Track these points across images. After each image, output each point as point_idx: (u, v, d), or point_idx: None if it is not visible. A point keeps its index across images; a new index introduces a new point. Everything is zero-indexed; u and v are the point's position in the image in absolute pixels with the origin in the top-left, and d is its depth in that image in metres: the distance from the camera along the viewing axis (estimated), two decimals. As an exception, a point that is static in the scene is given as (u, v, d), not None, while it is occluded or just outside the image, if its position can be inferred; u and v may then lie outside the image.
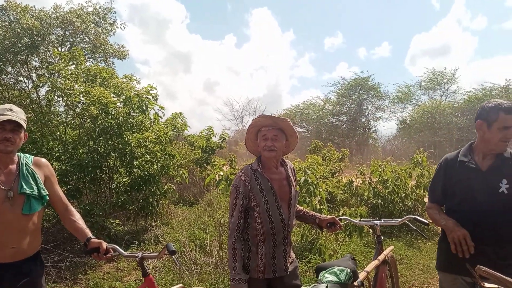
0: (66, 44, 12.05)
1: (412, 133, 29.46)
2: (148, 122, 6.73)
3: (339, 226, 2.69)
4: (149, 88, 6.78)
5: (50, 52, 11.10)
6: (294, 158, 10.45)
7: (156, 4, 61.00)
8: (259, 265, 2.35)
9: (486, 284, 1.52)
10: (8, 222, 2.09)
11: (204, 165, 9.19)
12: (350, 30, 62.91)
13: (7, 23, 10.44)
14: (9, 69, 11.42)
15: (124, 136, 6.09)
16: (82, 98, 6.22)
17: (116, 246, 2.35)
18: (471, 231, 2.27)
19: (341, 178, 9.68)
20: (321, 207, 5.20)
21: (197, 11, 74.12)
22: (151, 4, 59.55)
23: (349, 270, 2.44)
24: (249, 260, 2.36)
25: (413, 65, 53.28)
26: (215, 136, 10.23)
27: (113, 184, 6.65)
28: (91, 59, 12.60)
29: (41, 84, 8.10)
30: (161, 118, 7.21)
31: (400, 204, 7.48)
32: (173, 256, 2.26)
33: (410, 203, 7.61)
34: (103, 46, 12.29)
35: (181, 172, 8.06)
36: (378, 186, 7.71)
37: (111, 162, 6.43)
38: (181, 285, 2.58)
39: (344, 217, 3.49)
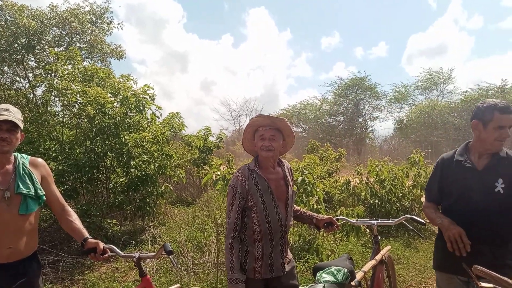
0: (63, 43, 12.00)
1: (409, 133, 29.57)
2: (145, 122, 6.71)
3: (336, 226, 2.69)
4: (146, 88, 6.76)
5: (47, 52, 11.04)
6: (292, 158, 10.46)
7: (152, 3, 61.01)
8: (257, 265, 2.35)
9: (483, 284, 1.52)
10: (4, 222, 2.08)
11: (202, 165, 9.18)
12: (347, 30, 63.23)
13: (3, 23, 10.38)
14: (5, 68, 11.38)
15: (121, 136, 6.07)
16: (79, 98, 6.20)
17: (113, 246, 2.34)
18: (468, 231, 2.28)
19: (339, 178, 9.70)
20: (319, 207, 5.20)
21: (194, 11, 74.25)
22: (148, 4, 59.57)
23: (346, 270, 2.44)
24: (246, 260, 2.36)
25: (409, 65, 53.57)
26: (213, 136, 10.22)
27: (110, 184, 6.63)
28: (87, 59, 12.57)
29: (38, 84, 8.05)
30: (158, 118, 7.20)
31: (397, 204, 7.50)
32: (170, 256, 2.26)
33: (407, 202, 7.63)
34: (100, 46, 12.25)
35: (178, 172, 8.05)
36: (375, 186, 7.72)
37: (108, 162, 6.42)
38: (178, 285, 2.57)
39: (341, 217, 3.49)
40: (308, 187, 5.32)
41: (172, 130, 7.70)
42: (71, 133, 6.89)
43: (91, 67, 7.18)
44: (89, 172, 5.99)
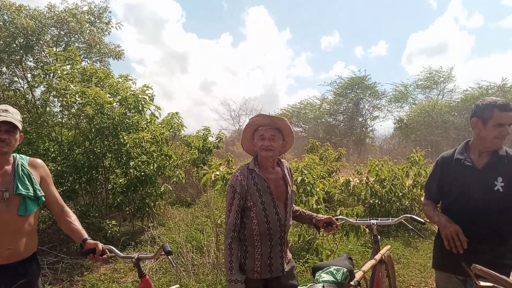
0: (61, 43, 11.98)
1: (409, 132, 29.56)
2: (144, 122, 6.70)
3: (335, 226, 2.68)
4: (145, 88, 6.75)
5: (45, 52, 11.03)
6: (291, 158, 10.45)
7: (151, 3, 61.01)
8: (256, 265, 2.34)
9: (482, 283, 1.52)
10: (4, 223, 2.08)
11: (201, 165, 9.17)
12: (347, 29, 63.24)
13: (1, 23, 10.36)
14: (4, 69, 11.36)
15: (120, 136, 6.06)
16: (78, 98, 6.19)
17: (112, 247, 2.34)
18: (467, 229, 2.28)
19: (338, 177, 9.69)
20: (318, 207, 5.20)
21: (192, 10, 74.25)
22: (146, 3, 59.55)
23: (345, 270, 2.43)
24: (245, 260, 2.36)
25: (410, 64, 53.59)
26: (212, 136, 10.22)
27: (109, 185, 6.62)
28: (86, 59, 12.55)
29: (37, 85, 8.06)
30: (158, 118, 7.18)
31: (397, 204, 7.49)
32: (169, 257, 2.25)
33: (407, 202, 7.62)
34: (98, 46, 12.23)
35: (177, 172, 8.04)
36: (375, 186, 7.72)
37: (107, 163, 6.41)
38: (177, 286, 2.57)
39: (340, 216, 3.49)
40: (308, 187, 5.31)
41: (171, 130, 7.70)
42: (70, 133, 6.88)
43: (90, 67, 7.17)
44: (88, 173, 5.98)
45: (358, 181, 8.48)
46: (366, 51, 57.54)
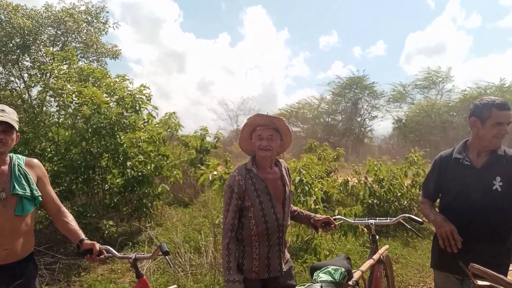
0: (58, 43, 11.93)
1: (408, 132, 29.59)
2: (142, 122, 6.69)
3: (333, 226, 2.68)
4: (142, 88, 6.74)
5: (42, 52, 10.99)
6: (290, 157, 10.44)
7: (148, 2, 60.95)
8: (254, 265, 2.34)
9: (479, 282, 1.51)
10: (0, 224, 2.07)
11: (199, 165, 9.16)
12: (345, 29, 63.26)
13: (-3, 23, 10.32)
14: (0, 69, 11.30)
15: (117, 136, 6.04)
16: (75, 98, 6.17)
17: (109, 247, 2.33)
18: (466, 228, 2.28)
19: (337, 177, 9.69)
20: (317, 207, 5.19)
21: (190, 10, 74.21)
22: (144, 3, 59.49)
23: (343, 270, 2.42)
24: (243, 260, 2.35)
25: (408, 64, 53.61)
26: (210, 136, 10.21)
27: (106, 185, 6.60)
28: (83, 59, 12.50)
29: (33, 84, 8.00)
30: (155, 118, 7.17)
31: (396, 204, 7.49)
32: (166, 257, 2.24)
33: (405, 202, 7.62)
34: (95, 46, 12.18)
35: (175, 172, 8.02)
36: (374, 186, 7.72)
37: (104, 163, 6.38)
38: (175, 286, 2.56)
39: (338, 216, 3.48)
40: (306, 187, 5.31)
41: (168, 130, 7.68)
42: (66, 133, 6.85)
43: (87, 67, 7.14)
44: (85, 173, 5.96)
45: (356, 181, 8.48)
46: (364, 51, 57.58)
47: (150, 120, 6.96)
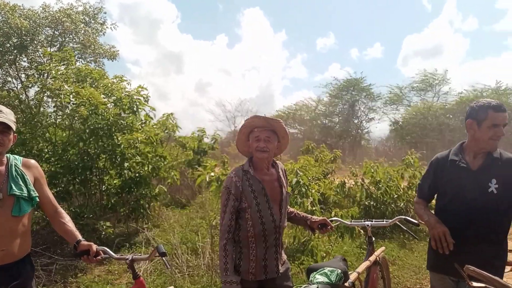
0: (56, 44, 11.90)
1: (404, 134, 29.68)
2: (139, 123, 6.68)
3: (330, 228, 2.69)
4: (140, 89, 6.73)
5: (39, 52, 10.96)
6: (287, 159, 10.45)
7: (146, 3, 60.90)
8: (251, 267, 2.34)
9: (474, 284, 1.52)
10: None
11: (196, 166, 9.15)
12: (342, 31, 63.50)
13: (-5, 23, 10.28)
14: (-3, 69, 11.27)
15: (115, 137, 6.03)
16: (72, 99, 6.16)
17: (106, 248, 2.33)
18: (462, 230, 2.30)
19: (334, 179, 9.70)
20: (314, 208, 5.20)
21: (188, 11, 74.26)
22: (142, 4, 59.45)
23: (339, 271, 2.44)
24: (240, 262, 2.35)
25: (405, 66, 53.88)
26: (207, 137, 10.20)
27: (103, 186, 6.58)
28: (80, 59, 12.47)
29: (31, 85, 8.00)
30: (152, 119, 7.16)
31: (393, 205, 7.51)
32: (163, 258, 2.24)
33: (402, 204, 7.65)
34: (93, 46, 12.15)
35: (172, 173, 8.02)
36: (371, 187, 7.74)
37: (101, 164, 6.37)
38: (172, 287, 2.56)
39: (335, 218, 3.50)
40: (303, 189, 5.32)
41: (166, 131, 7.67)
42: (64, 134, 6.84)
43: (84, 67, 7.13)
44: (82, 174, 5.95)
45: (353, 182, 8.49)
46: (361, 53, 57.83)
47: (147, 121, 6.96)
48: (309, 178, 5.98)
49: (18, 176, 2.19)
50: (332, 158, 10.93)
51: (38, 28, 10.85)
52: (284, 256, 2.56)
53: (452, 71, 53.13)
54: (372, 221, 3.15)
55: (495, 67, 48.67)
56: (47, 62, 8.06)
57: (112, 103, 6.44)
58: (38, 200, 2.25)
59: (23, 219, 2.17)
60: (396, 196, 7.54)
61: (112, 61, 12.87)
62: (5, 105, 2.46)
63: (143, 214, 6.60)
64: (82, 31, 11.92)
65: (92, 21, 12.65)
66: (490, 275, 1.51)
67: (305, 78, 58.55)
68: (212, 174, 5.29)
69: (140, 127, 6.60)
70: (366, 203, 7.50)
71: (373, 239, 3.17)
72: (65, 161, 5.99)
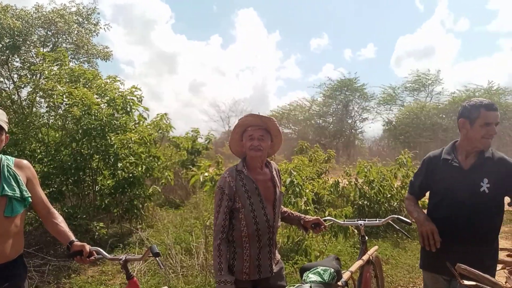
0: (49, 44, 11.81)
1: (398, 134, 29.85)
2: (133, 123, 6.66)
3: (323, 227, 2.70)
4: (134, 89, 6.71)
5: (32, 53, 10.88)
6: (281, 159, 10.46)
7: (140, 4, 60.68)
8: (244, 266, 2.35)
9: (465, 282, 1.54)
10: None
11: (190, 167, 9.14)
12: (335, 32, 63.75)
13: (-14, 24, 10.17)
14: (-11, 69, 11.15)
15: (108, 137, 6.01)
16: (65, 99, 6.12)
17: (99, 248, 2.31)
18: (453, 229, 2.31)
19: (328, 179, 9.73)
20: (307, 208, 5.21)
21: (182, 12, 74.09)
22: (135, 4, 59.20)
23: (332, 270, 2.45)
24: (234, 261, 2.35)
25: (398, 67, 54.28)
26: (201, 138, 10.19)
27: (96, 187, 6.55)
28: (73, 60, 12.39)
29: (23, 85, 7.93)
30: (146, 119, 7.14)
31: (386, 205, 7.55)
32: (157, 259, 2.24)
33: (395, 203, 7.68)
34: (86, 47, 12.08)
35: (166, 174, 8.00)
36: (364, 187, 7.77)
37: (94, 164, 6.34)
38: (166, 287, 2.56)
39: (328, 217, 3.51)
40: (297, 188, 5.33)
41: (159, 131, 7.65)
42: (56, 134, 6.80)
43: (77, 68, 7.10)
44: (75, 175, 5.92)
45: (347, 182, 8.53)
46: (355, 53, 58.18)
47: (141, 122, 6.93)
48: (303, 178, 6.00)
49: (10, 177, 2.17)
50: (326, 158, 10.96)
51: (31, 29, 10.75)
52: (278, 256, 2.57)
53: (445, 72, 53.71)
54: (365, 221, 3.17)
55: (487, 67, 49.26)
56: (40, 62, 8.01)
57: (105, 104, 6.41)
58: (30, 200, 2.24)
59: (16, 219, 2.16)
60: (389, 195, 7.57)
61: (106, 61, 12.81)
62: (-3, 106, 2.44)
63: (136, 214, 6.58)
64: (76, 32, 11.84)
65: (86, 22, 12.57)
66: (481, 273, 1.53)
67: (299, 79, 58.76)
68: (206, 174, 5.28)
69: (134, 128, 6.58)
70: (360, 202, 7.53)
71: (366, 238, 3.19)
72: (58, 162, 5.96)
